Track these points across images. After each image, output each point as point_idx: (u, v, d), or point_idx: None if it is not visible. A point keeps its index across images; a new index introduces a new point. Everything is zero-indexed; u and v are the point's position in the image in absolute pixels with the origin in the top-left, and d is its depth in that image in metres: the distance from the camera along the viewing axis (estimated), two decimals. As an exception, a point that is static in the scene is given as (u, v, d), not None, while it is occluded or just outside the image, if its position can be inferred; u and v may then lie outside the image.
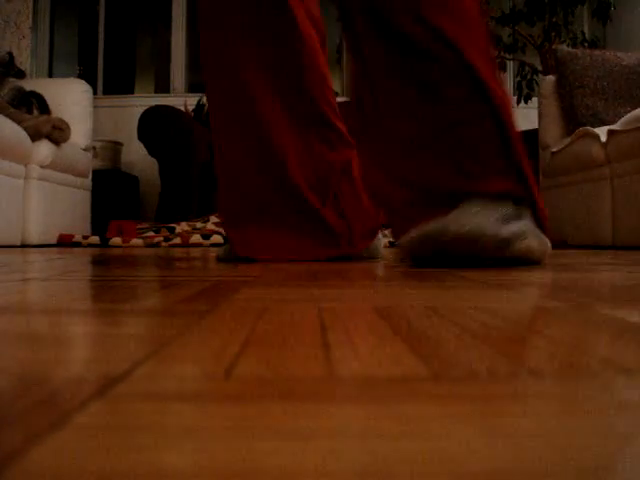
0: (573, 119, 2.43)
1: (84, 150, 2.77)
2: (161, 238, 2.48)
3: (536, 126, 2.75)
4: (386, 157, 0.90)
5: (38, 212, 2.37)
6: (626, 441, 0.14)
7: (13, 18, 3.84)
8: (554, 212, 2.57)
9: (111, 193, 3.27)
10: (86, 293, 0.51)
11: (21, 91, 2.54)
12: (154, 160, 3.03)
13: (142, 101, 3.70)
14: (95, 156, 3.13)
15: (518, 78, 3.55)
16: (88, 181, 2.89)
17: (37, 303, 0.42)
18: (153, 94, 4.22)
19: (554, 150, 2.51)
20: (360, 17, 0.86)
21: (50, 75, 4.12)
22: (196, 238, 2.46)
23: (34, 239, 2.34)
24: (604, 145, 2.14)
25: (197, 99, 3.47)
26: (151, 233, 2.62)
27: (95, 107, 2.95)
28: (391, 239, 2.31)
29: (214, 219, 2.75)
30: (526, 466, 0.13)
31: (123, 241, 2.45)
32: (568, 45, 3.34)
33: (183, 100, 3.52)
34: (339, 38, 4.18)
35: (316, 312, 0.37)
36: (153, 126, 2.89)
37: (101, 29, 4.17)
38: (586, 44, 3.56)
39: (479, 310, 0.38)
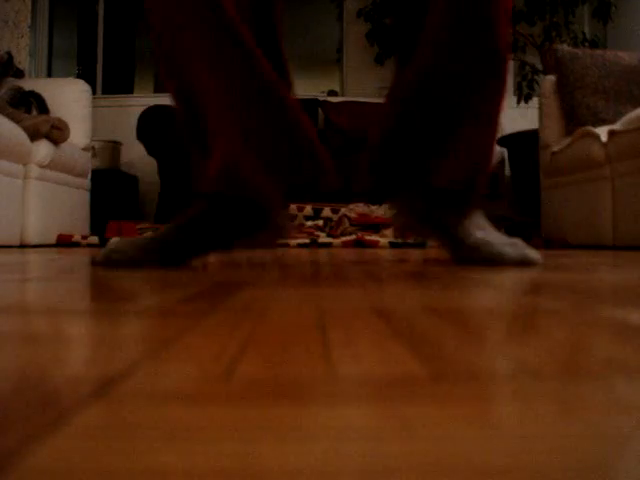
0: (573, 119, 2.43)
1: (83, 150, 2.77)
2: (161, 238, 2.48)
3: (536, 126, 2.75)
4: None
5: (37, 212, 2.37)
6: (626, 441, 0.14)
7: (12, 17, 3.83)
8: (555, 212, 2.57)
9: (110, 193, 3.27)
10: (86, 293, 0.51)
11: (20, 91, 2.54)
12: (153, 160, 3.03)
13: (141, 101, 3.69)
14: (94, 156, 3.12)
15: (518, 78, 3.54)
16: (87, 181, 2.88)
17: (37, 303, 0.42)
18: (152, 94, 4.22)
19: (554, 150, 2.51)
20: None
21: (49, 75, 4.12)
22: (196, 238, 2.45)
23: (33, 239, 2.34)
24: (604, 145, 2.13)
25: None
26: (151, 233, 2.62)
27: (94, 107, 2.94)
28: (392, 239, 2.31)
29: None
30: (526, 466, 0.13)
31: (123, 241, 2.45)
32: (568, 45, 3.34)
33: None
34: (339, 38, 4.18)
35: (316, 312, 0.37)
36: (152, 126, 2.89)
37: (100, 28, 4.17)
38: (587, 44, 3.57)
39: (479, 310, 0.38)
